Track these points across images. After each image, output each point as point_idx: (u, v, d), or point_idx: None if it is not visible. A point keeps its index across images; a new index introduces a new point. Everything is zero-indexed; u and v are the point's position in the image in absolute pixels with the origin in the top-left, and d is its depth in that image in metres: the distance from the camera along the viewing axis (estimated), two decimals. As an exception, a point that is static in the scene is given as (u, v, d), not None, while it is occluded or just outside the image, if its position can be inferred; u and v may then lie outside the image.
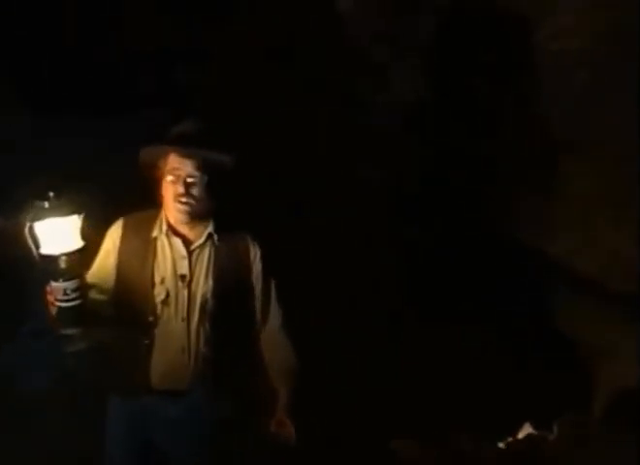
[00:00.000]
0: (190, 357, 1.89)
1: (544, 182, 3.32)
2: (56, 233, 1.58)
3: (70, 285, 1.57)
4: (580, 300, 3.27)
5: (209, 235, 1.91)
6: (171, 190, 1.82)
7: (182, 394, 1.90)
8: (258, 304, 1.99)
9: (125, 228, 1.91)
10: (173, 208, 1.84)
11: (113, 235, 1.91)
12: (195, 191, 1.82)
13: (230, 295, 1.91)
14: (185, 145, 1.81)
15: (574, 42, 3.11)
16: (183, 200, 1.81)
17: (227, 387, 1.92)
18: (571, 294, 3.33)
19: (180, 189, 1.80)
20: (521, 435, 2.87)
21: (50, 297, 1.60)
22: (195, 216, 1.86)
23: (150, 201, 1.92)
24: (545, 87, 3.26)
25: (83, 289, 1.62)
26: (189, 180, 1.81)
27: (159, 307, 1.87)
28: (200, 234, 1.91)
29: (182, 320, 1.88)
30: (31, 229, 1.56)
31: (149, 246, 1.88)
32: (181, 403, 1.90)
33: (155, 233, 1.89)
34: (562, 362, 3.25)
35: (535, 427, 2.87)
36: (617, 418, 2.83)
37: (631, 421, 2.63)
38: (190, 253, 1.89)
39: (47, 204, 1.57)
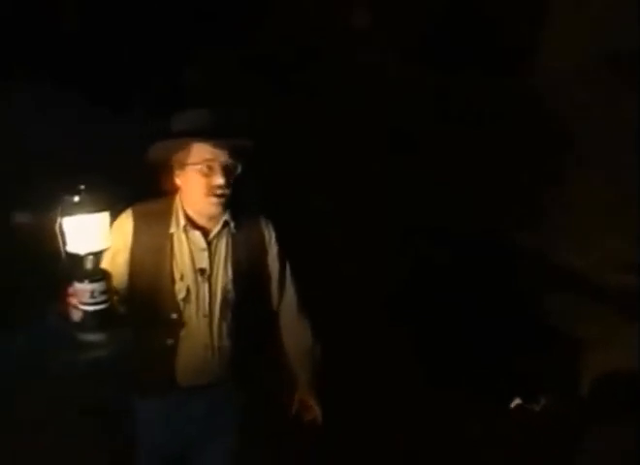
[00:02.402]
0: (214, 353, 1.82)
1: (543, 186, 3.45)
2: (85, 231, 1.46)
3: (98, 287, 1.45)
4: (572, 296, 3.39)
5: (226, 223, 1.80)
6: (202, 182, 1.69)
7: (206, 388, 1.84)
8: (275, 288, 1.93)
9: (136, 221, 1.77)
10: (205, 202, 1.72)
11: (124, 229, 1.75)
12: (231, 180, 1.71)
13: (249, 284, 1.84)
14: (216, 134, 1.68)
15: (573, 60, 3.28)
16: (220, 191, 1.70)
17: (251, 377, 1.88)
18: (565, 291, 3.43)
19: (219, 180, 1.69)
20: (512, 405, 3.20)
21: (73, 300, 1.48)
22: (226, 207, 1.75)
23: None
24: (545, 101, 3.38)
25: (110, 291, 1.50)
26: (226, 170, 1.70)
27: (181, 305, 1.76)
28: (216, 223, 1.79)
29: (204, 316, 1.79)
30: (60, 225, 1.45)
31: (166, 242, 1.76)
32: (205, 397, 1.85)
33: (172, 229, 1.77)
34: (552, 350, 3.35)
35: (524, 401, 3.17)
36: (606, 402, 3.08)
37: (620, 406, 2.90)
38: (209, 244, 1.79)
39: (76, 199, 1.45)
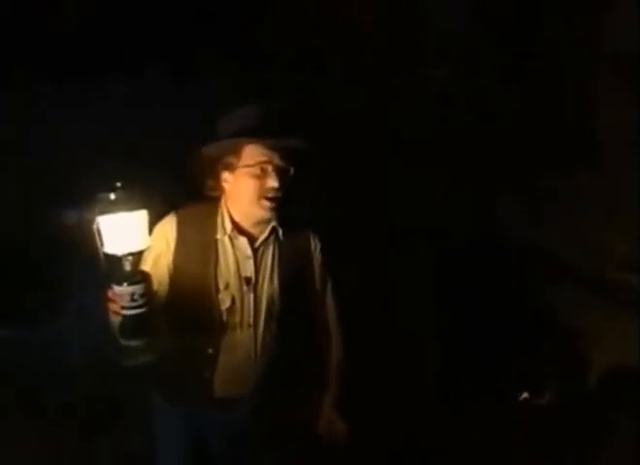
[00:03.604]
0: (256, 365, 1.73)
1: (542, 183, 3.44)
2: (122, 230, 1.38)
3: (138, 289, 1.37)
4: (578, 291, 3.38)
5: (273, 230, 1.73)
6: (254, 186, 1.62)
7: (243, 399, 1.76)
8: (317, 298, 1.86)
9: (180, 225, 1.69)
10: (257, 206, 1.64)
11: (167, 234, 1.68)
12: (285, 183, 1.63)
13: (296, 294, 1.76)
14: (271, 135, 1.61)
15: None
16: (273, 195, 1.62)
17: (291, 388, 1.81)
18: (566, 285, 3.43)
19: (274, 183, 1.61)
20: (520, 398, 3.28)
21: (114, 305, 1.40)
22: (278, 212, 1.66)
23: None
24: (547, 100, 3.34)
25: (150, 294, 1.42)
26: (280, 173, 1.62)
27: (224, 315, 1.68)
28: (263, 229, 1.72)
29: (249, 327, 1.71)
30: (97, 224, 1.36)
31: (210, 248, 1.68)
32: (241, 409, 1.76)
33: (219, 235, 1.69)
34: (558, 345, 3.37)
35: (531, 395, 3.25)
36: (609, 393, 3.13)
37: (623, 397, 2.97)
38: (255, 251, 1.71)
39: (112, 196, 1.37)
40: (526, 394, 3.24)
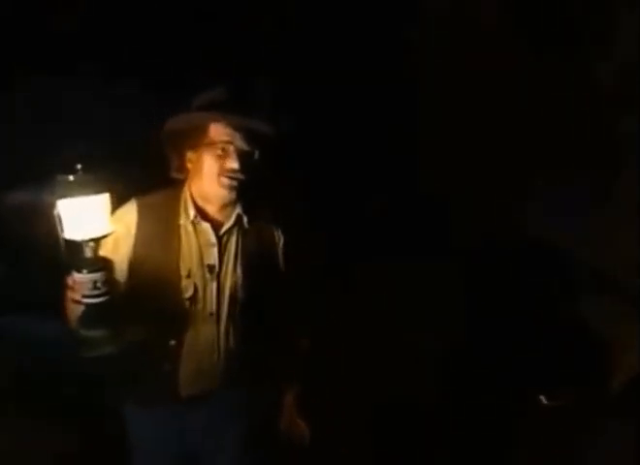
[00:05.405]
0: (220, 356, 1.67)
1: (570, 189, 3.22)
2: (83, 215, 1.31)
3: (100, 277, 1.31)
4: (602, 298, 3.24)
5: (239, 217, 1.66)
6: (216, 165, 1.56)
7: (211, 396, 1.70)
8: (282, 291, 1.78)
9: (140, 212, 1.62)
10: (216, 184, 1.57)
11: (126, 221, 1.60)
12: (247, 167, 1.57)
13: (259, 283, 1.70)
14: (240, 114, 1.56)
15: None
16: (234, 175, 1.56)
17: (258, 383, 1.76)
18: (594, 292, 3.28)
19: (234, 164, 1.54)
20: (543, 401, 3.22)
21: (74, 294, 1.34)
22: (239, 195, 1.60)
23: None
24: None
25: (112, 282, 1.36)
26: (242, 154, 1.56)
27: (186, 304, 1.62)
28: (228, 216, 1.66)
29: (211, 315, 1.64)
30: (56, 208, 1.29)
31: (173, 234, 1.62)
32: (207, 405, 1.71)
33: (182, 221, 1.63)
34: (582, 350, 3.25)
35: (547, 399, 3.16)
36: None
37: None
38: (219, 239, 1.65)
39: (72, 178, 1.30)
40: (543, 398, 3.15)
